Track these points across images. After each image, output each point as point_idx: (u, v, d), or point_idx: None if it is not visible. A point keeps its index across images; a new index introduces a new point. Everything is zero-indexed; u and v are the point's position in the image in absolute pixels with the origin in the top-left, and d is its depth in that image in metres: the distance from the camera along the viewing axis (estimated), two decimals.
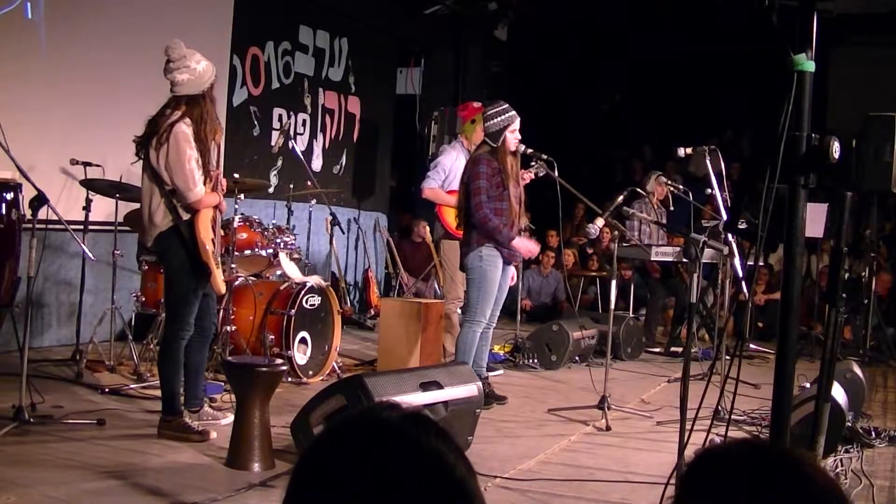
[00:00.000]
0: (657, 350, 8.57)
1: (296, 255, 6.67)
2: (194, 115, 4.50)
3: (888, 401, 6.70)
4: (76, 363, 5.89)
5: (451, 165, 6.86)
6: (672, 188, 8.19)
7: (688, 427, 3.43)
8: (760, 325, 9.72)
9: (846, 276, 4.02)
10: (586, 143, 13.53)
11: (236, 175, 6.49)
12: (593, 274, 11.12)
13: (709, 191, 6.95)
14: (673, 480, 3.45)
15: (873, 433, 5.22)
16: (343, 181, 10.16)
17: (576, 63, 13.66)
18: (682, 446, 3.48)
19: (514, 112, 5.70)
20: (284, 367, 4.44)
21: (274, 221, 6.92)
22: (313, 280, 6.36)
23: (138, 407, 5.15)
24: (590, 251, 11.32)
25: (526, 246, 5.83)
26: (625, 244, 7.90)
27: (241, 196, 6.16)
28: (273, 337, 5.98)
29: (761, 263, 9.11)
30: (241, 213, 6.23)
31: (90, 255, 5.37)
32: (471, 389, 4.58)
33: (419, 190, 7.10)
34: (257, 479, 3.98)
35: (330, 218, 8.01)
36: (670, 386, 6.82)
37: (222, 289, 4.81)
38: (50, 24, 6.55)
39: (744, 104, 12.19)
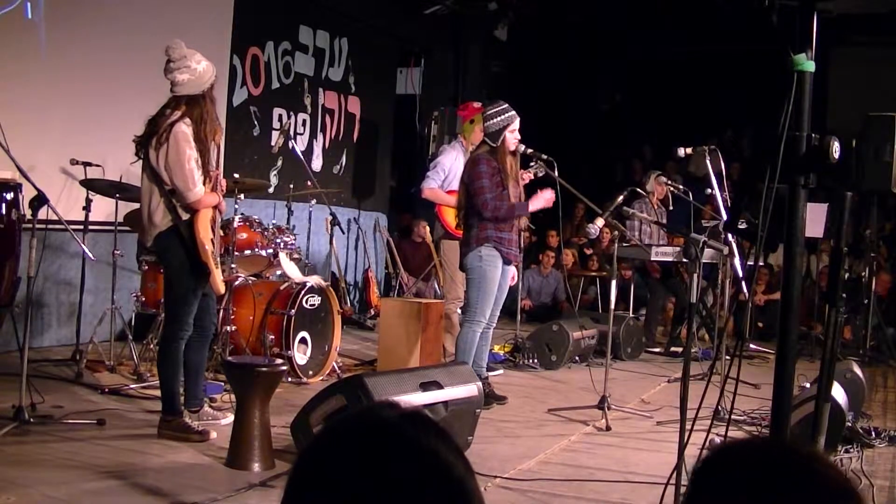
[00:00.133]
0: (657, 350, 8.57)
1: (296, 255, 6.67)
2: (194, 116, 4.50)
3: (888, 401, 6.70)
4: (76, 363, 5.89)
5: (450, 165, 6.86)
6: (672, 188, 8.19)
7: (688, 427, 3.42)
8: (760, 325, 9.72)
9: (846, 276, 4.02)
10: (586, 143, 13.52)
11: (236, 175, 6.50)
12: (593, 274, 11.12)
13: (709, 191, 6.95)
14: (672, 480, 3.45)
15: (873, 433, 5.22)
16: (343, 181, 10.16)
17: (576, 63, 13.66)
18: (682, 446, 3.48)
19: (513, 112, 5.70)
20: (284, 367, 4.44)
21: (274, 221, 6.92)
22: (313, 280, 6.36)
23: (138, 407, 5.15)
24: (589, 251, 11.32)
25: (543, 198, 5.77)
26: (625, 244, 7.90)
27: (241, 196, 6.16)
28: (273, 337, 5.98)
29: (761, 263, 9.11)
30: (241, 213, 6.23)
31: (90, 255, 5.37)
32: (471, 389, 4.58)
33: (419, 190, 7.10)
34: (257, 479, 3.98)
35: (330, 218, 8.01)
36: (670, 386, 6.82)
37: (221, 289, 4.81)
38: (50, 24, 6.55)
39: (744, 104, 12.18)
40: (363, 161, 10.60)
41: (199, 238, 4.49)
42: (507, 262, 5.77)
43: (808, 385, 5.10)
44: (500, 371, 7.10)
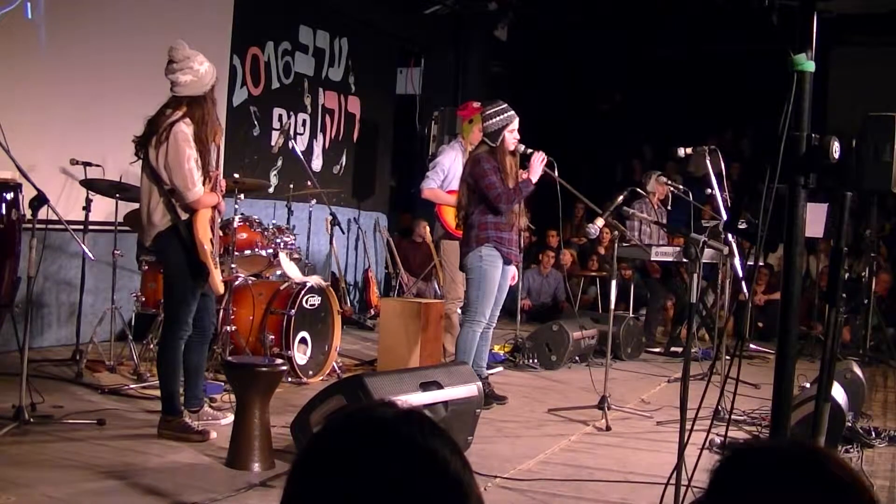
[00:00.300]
0: (657, 350, 8.57)
1: (296, 255, 6.67)
2: (196, 117, 4.50)
3: (888, 401, 6.70)
4: (76, 363, 5.89)
5: (450, 165, 6.86)
6: (672, 188, 8.19)
7: (688, 427, 3.42)
8: (760, 325, 9.72)
9: (846, 276, 4.02)
10: (586, 143, 13.52)
11: (236, 175, 6.50)
12: (593, 274, 11.12)
13: (709, 191, 6.94)
14: (672, 480, 3.45)
15: (873, 433, 5.22)
16: (343, 181, 10.16)
17: (576, 63, 13.66)
18: (682, 446, 3.48)
19: (512, 112, 5.70)
20: (284, 367, 4.44)
21: (274, 221, 6.92)
22: (313, 280, 6.36)
23: (138, 407, 5.15)
24: (600, 251, 11.29)
25: (537, 164, 5.67)
26: (625, 244, 7.90)
27: (241, 196, 6.16)
28: (273, 337, 5.98)
29: (761, 263, 9.11)
30: (241, 213, 6.23)
31: (90, 255, 5.37)
32: (471, 389, 4.58)
33: (419, 190, 7.10)
34: (257, 479, 3.98)
35: (330, 218, 8.01)
36: (670, 386, 6.82)
37: (221, 289, 4.81)
38: (50, 24, 6.55)
39: (744, 104, 12.18)
40: (363, 161, 10.60)
41: (199, 238, 4.49)
42: (507, 261, 5.77)
43: (808, 385, 5.10)
44: (500, 368, 7.10)
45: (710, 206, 7.53)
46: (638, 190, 7.13)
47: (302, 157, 8.12)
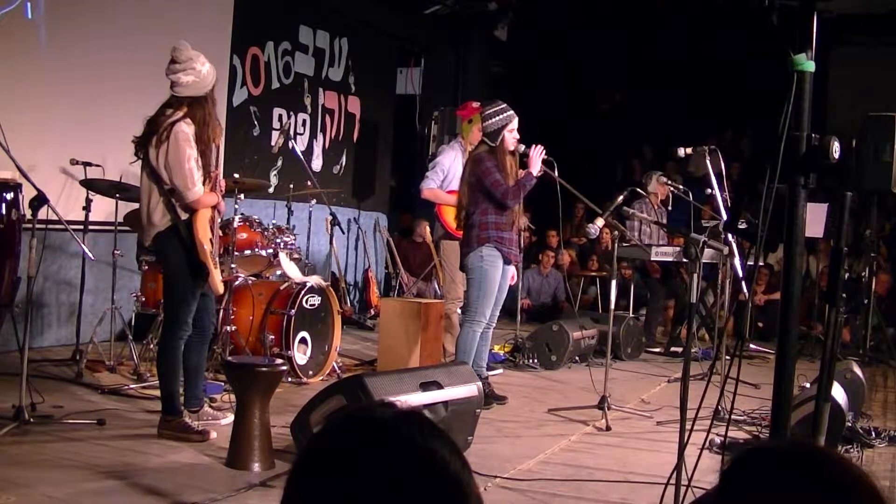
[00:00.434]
0: (657, 350, 8.57)
1: (296, 255, 6.67)
2: (197, 117, 4.50)
3: (888, 401, 6.70)
4: (76, 363, 5.89)
5: (449, 165, 6.86)
6: (672, 188, 8.19)
7: (688, 427, 3.42)
8: (760, 325, 9.71)
9: (846, 276, 4.02)
10: (586, 143, 13.52)
11: (236, 175, 6.50)
12: (593, 274, 11.12)
13: (709, 191, 6.94)
14: (672, 480, 3.45)
15: (873, 433, 5.22)
16: (343, 181, 10.16)
17: (576, 63, 13.66)
18: (682, 446, 3.48)
19: (512, 111, 5.70)
20: (284, 367, 4.44)
21: (274, 221, 6.92)
22: (313, 280, 6.36)
23: (138, 407, 5.15)
24: (601, 250, 11.28)
25: (537, 157, 5.66)
26: (625, 244, 7.90)
27: (241, 196, 6.16)
28: (273, 337, 5.98)
29: (761, 263, 9.11)
30: (241, 213, 6.23)
31: (90, 255, 5.37)
32: (471, 389, 4.58)
33: (419, 190, 7.10)
34: (257, 479, 3.98)
35: (330, 218, 8.01)
36: (670, 386, 6.82)
37: (220, 289, 4.81)
38: (50, 24, 6.55)
39: (744, 104, 12.18)
40: (363, 161, 10.60)
41: (198, 238, 4.49)
42: (507, 261, 5.77)
43: (808, 385, 5.10)
44: (500, 370, 7.10)
45: (710, 206, 7.53)
46: (638, 190, 7.13)
47: (302, 157, 8.12)
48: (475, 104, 7.99)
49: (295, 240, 6.71)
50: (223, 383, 5.40)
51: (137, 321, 6.30)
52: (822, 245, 9.34)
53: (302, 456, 1.07)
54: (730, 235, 6.23)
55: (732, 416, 4.00)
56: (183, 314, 4.56)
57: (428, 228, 9.17)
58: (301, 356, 6.13)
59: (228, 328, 5.90)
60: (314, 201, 8.09)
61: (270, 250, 6.38)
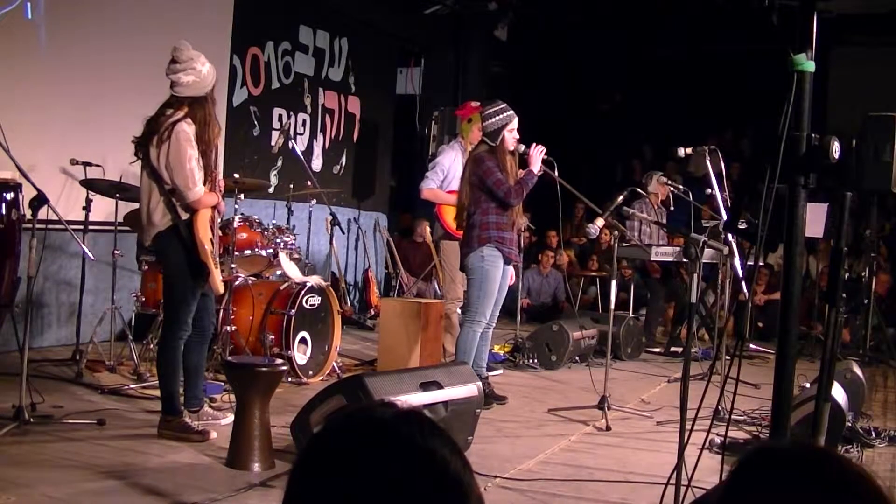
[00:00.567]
0: (657, 350, 8.57)
1: (296, 255, 6.67)
2: (198, 117, 4.50)
3: (888, 401, 6.70)
4: (76, 363, 5.89)
5: (449, 165, 6.85)
6: (672, 188, 8.19)
7: (688, 427, 3.42)
8: (760, 325, 9.72)
9: (846, 276, 4.02)
10: (586, 143, 13.52)
11: (236, 175, 6.50)
12: (593, 274, 11.12)
13: (709, 191, 6.94)
14: (672, 480, 3.45)
15: (873, 433, 5.22)
16: (343, 181, 10.16)
17: (576, 63, 13.66)
18: (682, 446, 3.48)
19: (512, 111, 5.70)
20: (284, 367, 4.44)
21: (274, 221, 6.92)
22: (313, 280, 6.36)
23: (138, 407, 5.15)
24: (601, 250, 11.28)
25: (537, 155, 5.67)
26: (625, 244, 7.90)
27: (241, 196, 6.16)
28: (273, 337, 5.98)
29: (761, 263, 9.11)
30: (241, 213, 6.23)
31: (90, 255, 5.37)
32: (471, 389, 4.58)
33: (419, 191, 7.10)
34: (257, 479, 3.98)
35: (330, 218, 8.01)
36: (670, 386, 6.82)
37: (221, 289, 4.81)
38: (50, 24, 6.55)
39: (744, 104, 12.18)
40: (363, 161, 10.60)
41: (199, 238, 4.49)
42: (507, 261, 5.77)
43: (808, 385, 5.10)
44: (500, 371, 7.10)
45: (710, 206, 7.54)
46: (638, 190, 7.12)
47: (302, 157, 8.12)
48: (474, 104, 8.00)
49: (295, 240, 6.70)
50: (223, 383, 5.40)
51: (137, 321, 6.30)
52: (822, 245, 9.34)
53: (302, 456, 1.07)
54: (730, 235, 6.23)
55: (732, 416, 4.00)
56: (183, 314, 4.56)
57: (428, 228, 9.17)
58: (301, 356, 6.13)
59: (228, 328, 5.90)
60: (314, 201, 8.09)
61: (270, 250, 6.38)
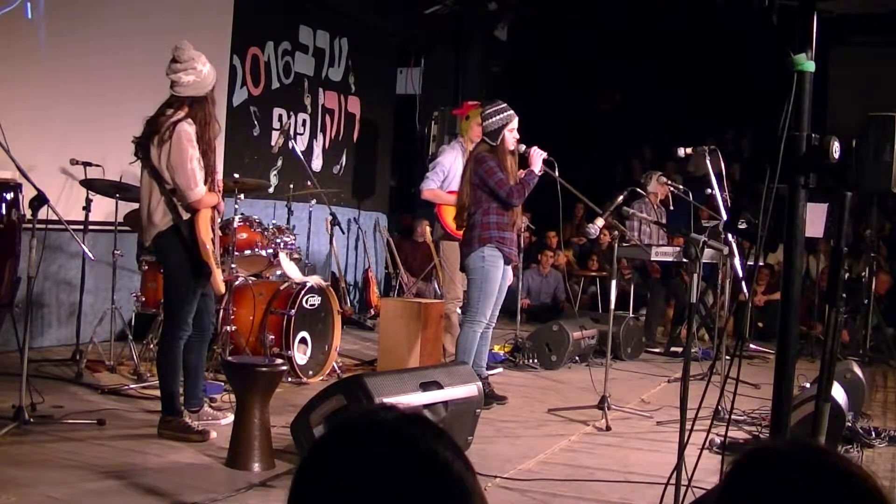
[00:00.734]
0: (657, 350, 8.57)
1: (296, 255, 6.66)
2: (199, 117, 4.50)
3: (888, 401, 6.70)
4: (76, 363, 5.89)
5: (450, 165, 6.85)
6: (672, 188, 8.19)
7: (688, 427, 3.42)
8: (760, 325, 9.72)
9: (846, 276, 4.02)
10: (586, 143, 13.53)
11: (236, 175, 6.50)
12: (593, 274, 11.12)
13: (709, 191, 6.94)
14: (672, 480, 3.45)
15: (873, 433, 5.22)
16: (343, 181, 10.16)
17: (576, 63, 13.66)
18: (682, 446, 3.48)
19: (512, 111, 5.70)
20: (284, 367, 4.44)
21: (274, 221, 6.91)
22: (313, 280, 6.36)
23: (138, 407, 5.14)
24: (601, 250, 11.28)
25: (537, 156, 5.67)
26: (625, 244, 7.90)
27: (241, 196, 6.16)
28: (273, 337, 5.98)
29: (761, 263, 9.10)
30: (241, 213, 6.23)
31: (90, 255, 5.37)
32: (471, 389, 4.58)
33: (419, 191, 7.10)
34: (257, 479, 3.98)
35: (330, 218, 8.01)
36: (670, 386, 6.82)
37: (222, 289, 4.82)
38: (50, 24, 6.55)
39: (744, 104, 12.18)
40: (363, 161, 10.60)
41: (200, 237, 4.49)
42: (506, 261, 5.77)
43: (808, 385, 5.10)
44: (500, 370, 7.10)
45: (710, 206, 7.54)
46: (638, 190, 7.12)
47: (302, 157, 8.12)
48: (471, 103, 8.00)
49: (295, 240, 6.70)
50: (223, 383, 5.40)
51: (137, 321, 6.30)
52: (822, 245, 9.33)
53: (305, 460, 1.07)
54: (730, 235, 6.23)
55: (732, 416, 4.00)
56: (183, 314, 4.56)
57: (428, 228, 9.17)
58: (301, 356, 6.13)
59: (228, 328, 5.90)
60: (314, 201, 8.09)
61: (270, 250, 6.38)
